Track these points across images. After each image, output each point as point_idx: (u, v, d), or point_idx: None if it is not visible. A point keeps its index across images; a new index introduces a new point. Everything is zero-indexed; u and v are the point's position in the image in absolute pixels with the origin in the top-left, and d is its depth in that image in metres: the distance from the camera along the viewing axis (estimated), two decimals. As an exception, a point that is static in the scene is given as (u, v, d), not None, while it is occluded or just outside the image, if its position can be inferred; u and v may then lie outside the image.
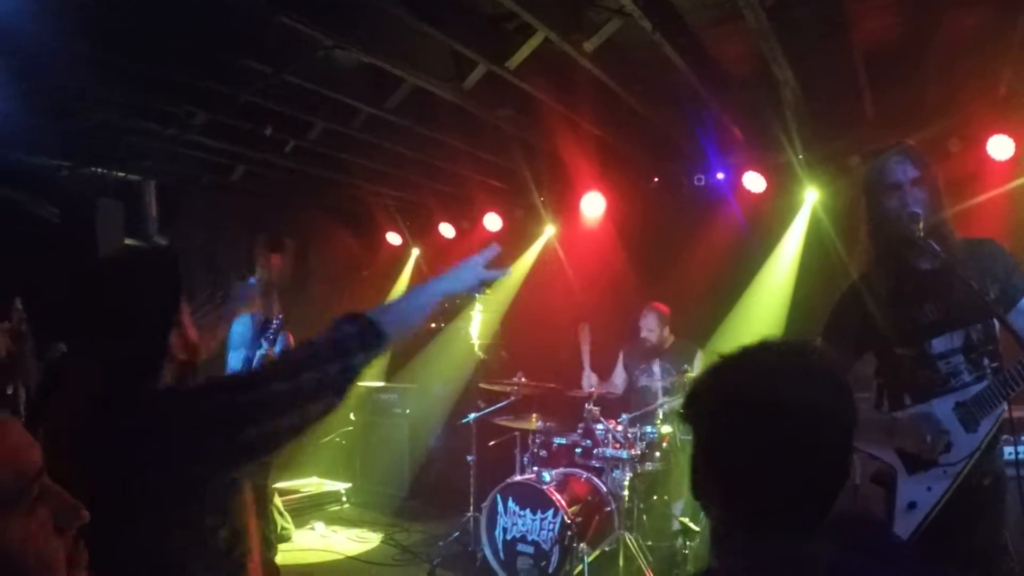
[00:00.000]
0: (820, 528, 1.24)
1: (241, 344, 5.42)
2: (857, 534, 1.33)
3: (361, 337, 1.75)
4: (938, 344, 2.71)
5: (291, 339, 5.57)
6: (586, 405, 5.60)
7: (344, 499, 7.89)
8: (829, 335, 2.94)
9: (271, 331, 5.23)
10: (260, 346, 5.24)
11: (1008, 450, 3.01)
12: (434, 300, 1.96)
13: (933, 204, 2.69)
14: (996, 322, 2.66)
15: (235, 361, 5.45)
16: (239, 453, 1.64)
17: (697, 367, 5.74)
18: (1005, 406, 2.56)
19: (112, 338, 1.78)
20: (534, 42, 4.37)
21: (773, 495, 1.22)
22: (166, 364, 1.80)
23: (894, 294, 2.76)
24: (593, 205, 7.01)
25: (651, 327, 6.02)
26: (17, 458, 1.60)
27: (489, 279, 2.05)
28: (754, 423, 1.23)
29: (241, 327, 5.43)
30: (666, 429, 5.56)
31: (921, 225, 2.59)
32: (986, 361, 2.69)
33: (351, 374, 1.72)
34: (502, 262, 2.11)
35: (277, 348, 5.41)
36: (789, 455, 1.21)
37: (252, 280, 5.72)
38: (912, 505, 2.65)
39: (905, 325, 2.75)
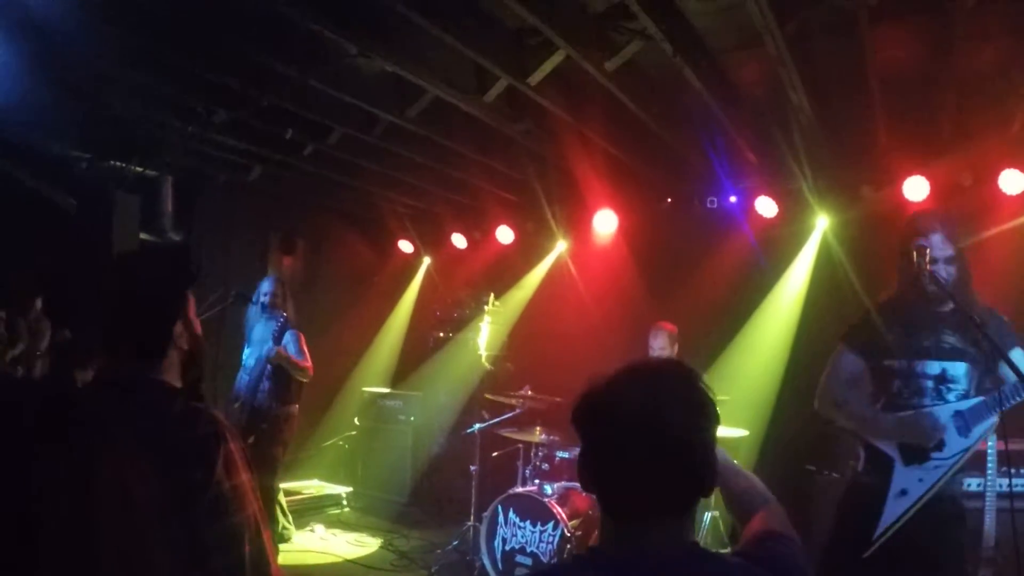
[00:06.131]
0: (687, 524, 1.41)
1: (259, 341, 5.49)
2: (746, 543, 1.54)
3: None
4: (949, 368, 3.08)
5: (303, 340, 5.61)
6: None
7: (345, 503, 7.91)
8: (849, 339, 3.33)
9: (275, 329, 5.29)
10: (267, 342, 5.31)
11: (1003, 482, 3.64)
12: None
13: (958, 264, 3.04)
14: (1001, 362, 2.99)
15: (248, 357, 5.54)
16: None
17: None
18: (996, 417, 2.95)
19: (117, 322, 1.89)
20: (556, 59, 4.42)
21: (631, 492, 1.39)
22: (170, 352, 1.89)
23: (912, 321, 3.12)
24: (605, 222, 7.06)
25: (662, 346, 6.02)
26: None
27: None
28: (609, 432, 1.41)
29: (265, 329, 5.50)
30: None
31: (927, 259, 2.95)
32: (987, 385, 3.10)
33: None
34: None
35: (291, 349, 5.46)
36: (632, 457, 1.37)
37: (272, 278, 5.80)
38: (903, 492, 3.03)
39: (916, 346, 3.10)
